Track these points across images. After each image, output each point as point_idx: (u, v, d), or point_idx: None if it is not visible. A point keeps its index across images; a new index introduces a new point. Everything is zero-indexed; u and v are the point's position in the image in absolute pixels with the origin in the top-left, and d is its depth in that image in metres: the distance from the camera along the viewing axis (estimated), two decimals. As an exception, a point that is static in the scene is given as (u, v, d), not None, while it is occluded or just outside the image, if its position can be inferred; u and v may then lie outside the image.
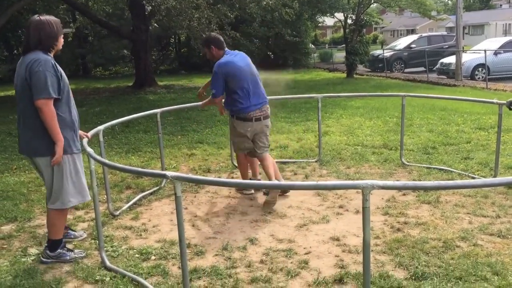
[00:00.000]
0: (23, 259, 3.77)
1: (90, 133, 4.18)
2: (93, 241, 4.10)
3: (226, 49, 4.98)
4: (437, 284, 3.18)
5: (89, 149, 3.65)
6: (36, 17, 3.54)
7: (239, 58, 4.92)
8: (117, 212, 4.72)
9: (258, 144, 4.98)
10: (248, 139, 4.94)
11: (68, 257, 3.73)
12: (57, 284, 3.37)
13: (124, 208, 4.86)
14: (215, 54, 4.91)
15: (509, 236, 3.88)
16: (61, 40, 3.62)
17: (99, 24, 18.69)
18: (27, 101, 3.47)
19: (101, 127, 4.55)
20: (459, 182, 2.50)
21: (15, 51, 24.14)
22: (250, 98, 4.85)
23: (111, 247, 3.96)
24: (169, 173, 2.76)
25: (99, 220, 3.75)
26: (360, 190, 2.42)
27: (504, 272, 3.27)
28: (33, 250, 3.93)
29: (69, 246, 3.91)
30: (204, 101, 5.42)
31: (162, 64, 29.16)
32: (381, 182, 2.48)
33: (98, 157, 3.47)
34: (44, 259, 3.70)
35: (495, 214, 4.36)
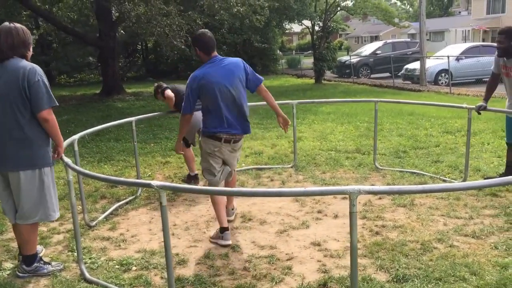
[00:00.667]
0: (-3, 274, 3.64)
1: (64, 143, 4.08)
2: (70, 253, 4.01)
3: (215, 54, 4.08)
4: (418, 285, 3.25)
5: (66, 159, 3.57)
6: (6, 23, 3.43)
7: (222, 72, 3.98)
8: (93, 223, 4.63)
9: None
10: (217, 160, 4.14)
11: (45, 271, 3.62)
12: (36, 298, 3.27)
13: (100, 218, 4.77)
14: (201, 58, 4.09)
15: (483, 237, 4.01)
16: (31, 50, 3.52)
17: (64, 31, 18.27)
18: (16, 111, 3.30)
19: (75, 137, 4.46)
20: (441, 185, 2.58)
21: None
22: (224, 124, 4.03)
23: (90, 258, 3.88)
24: (154, 182, 2.73)
25: (78, 231, 3.67)
26: (339, 196, 2.45)
27: (481, 272, 3.37)
28: (7, 264, 3.80)
29: (45, 259, 3.80)
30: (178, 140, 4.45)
31: (129, 71, 28.78)
32: (367, 187, 2.53)
33: (79, 168, 3.40)
34: (21, 274, 3.58)
35: (468, 216, 4.49)
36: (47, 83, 3.35)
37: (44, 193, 3.49)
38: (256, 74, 4.26)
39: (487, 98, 5.37)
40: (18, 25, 3.45)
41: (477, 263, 3.51)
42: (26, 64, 3.33)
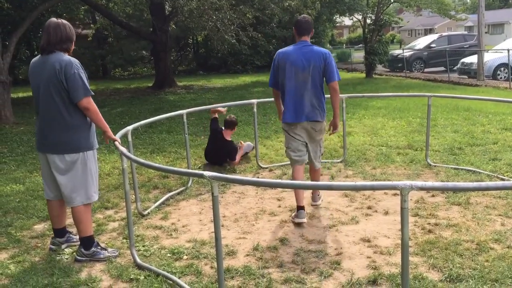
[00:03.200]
0: (57, 258, 3.83)
1: (119, 134, 4.23)
2: (124, 240, 4.15)
3: (305, 39, 4.37)
4: (473, 286, 3.14)
5: (122, 148, 3.70)
6: (54, 19, 3.70)
7: (298, 55, 4.27)
8: (146, 212, 4.77)
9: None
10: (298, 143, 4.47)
11: (102, 256, 3.78)
12: (93, 282, 3.41)
13: (152, 207, 4.91)
14: (294, 38, 4.49)
15: (544, 239, 3.82)
16: (73, 45, 3.78)
17: (119, 25, 18.85)
18: (58, 100, 3.58)
19: (129, 128, 4.61)
20: (498, 183, 2.47)
21: (36, 52, 24.58)
22: (288, 106, 4.36)
23: (143, 246, 4.01)
24: (206, 173, 2.78)
25: (131, 219, 3.79)
26: (389, 192, 2.40)
27: (542, 275, 3.22)
28: (67, 249, 3.98)
29: (102, 245, 3.96)
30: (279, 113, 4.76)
31: (181, 64, 29.35)
32: (419, 183, 2.46)
33: (133, 157, 3.51)
34: (79, 258, 3.76)
35: (528, 216, 4.30)
36: (83, 75, 3.59)
37: (86, 176, 3.72)
38: (335, 72, 4.38)
39: None
40: (64, 21, 3.72)
41: (537, 265, 3.36)
42: (65, 58, 3.58)
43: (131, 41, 25.35)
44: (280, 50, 4.48)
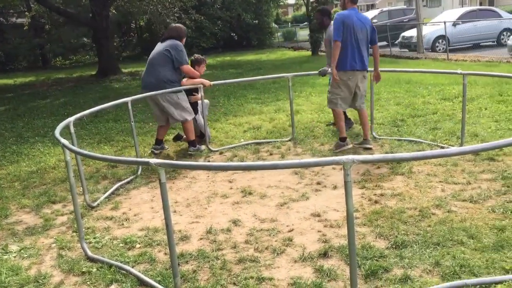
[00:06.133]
0: (4, 257, 3.71)
1: (59, 126, 4.10)
2: (74, 233, 4.07)
3: (355, 7, 5.62)
4: (417, 250, 3.31)
5: (63, 140, 3.60)
6: (173, 24, 6.42)
7: (357, 18, 5.48)
8: (95, 203, 4.69)
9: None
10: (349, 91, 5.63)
11: (199, 149, 6.19)
12: (43, 278, 3.34)
13: (102, 198, 4.83)
14: (345, 4, 5.58)
15: (481, 201, 4.06)
16: (183, 40, 6.16)
17: (56, 12, 18.09)
18: (161, 64, 5.92)
19: (71, 119, 4.47)
20: (434, 152, 2.60)
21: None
22: (353, 56, 5.46)
23: (94, 238, 3.94)
24: (152, 160, 2.76)
25: (78, 211, 3.70)
26: (337, 167, 2.48)
27: (479, 235, 3.43)
28: (14, 247, 3.87)
29: (50, 240, 3.85)
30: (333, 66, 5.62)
31: (124, 50, 28.60)
32: (361, 157, 2.55)
33: (76, 148, 3.43)
34: (191, 152, 6.14)
35: (466, 181, 4.54)
36: (185, 52, 5.99)
37: (181, 106, 5.98)
38: (376, 36, 5.71)
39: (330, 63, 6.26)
40: (180, 25, 6.30)
41: (474, 226, 3.57)
42: (174, 42, 5.98)
43: (71, 28, 24.38)
44: (341, 13, 5.56)
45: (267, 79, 9.88)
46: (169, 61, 5.93)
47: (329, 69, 6.30)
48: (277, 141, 6.48)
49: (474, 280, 2.86)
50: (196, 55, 6.80)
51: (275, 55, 22.27)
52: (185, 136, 6.48)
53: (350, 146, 5.75)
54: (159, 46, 6.06)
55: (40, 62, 26.23)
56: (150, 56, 6.09)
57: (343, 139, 5.73)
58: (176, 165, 3.16)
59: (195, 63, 6.54)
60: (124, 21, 25.09)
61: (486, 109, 7.31)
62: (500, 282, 2.82)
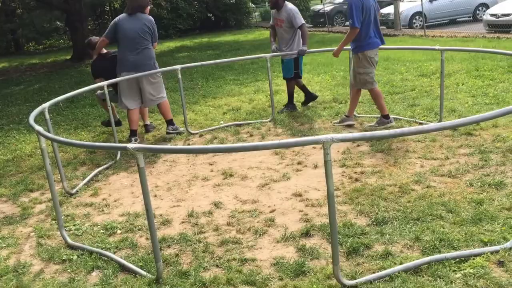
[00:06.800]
0: (-18, 248, 3.64)
1: (34, 112, 4.00)
2: (53, 221, 4.01)
3: None
4: (397, 226, 3.35)
5: (38, 127, 3.51)
6: None
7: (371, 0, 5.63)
8: (74, 190, 4.62)
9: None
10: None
11: (179, 130, 6.15)
12: (22, 268, 3.29)
13: (80, 185, 4.76)
14: None
15: (459, 175, 4.11)
16: (148, 9, 5.91)
17: (26, -4, 17.56)
18: (146, 42, 5.79)
19: (45, 105, 4.38)
20: (412, 128, 2.61)
21: None
22: (375, 34, 5.66)
23: (74, 225, 3.89)
24: (130, 145, 2.71)
25: (56, 199, 3.63)
26: (318, 146, 2.47)
27: (457, 209, 3.48)
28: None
29: (28, 229, 3.79)
30: (340, 45, 6.00)
31: (99, 34, 27.95)
32: (340, 136, 2.55)
33: (51, 135, 3.35)
34: (170, 131, 6.12)
35: (444, 156, 4.59)
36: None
37: (162, 86, 6.04)
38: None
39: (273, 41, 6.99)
40: None
41: (453, 201, 3.62)
42: (147, 16, 5.81)
43: (43, 12, 23.69)
44: None
45: (246, 59, 9.80)
46: (150, 38, 5.82)
47: (305, 47, 6.62)
48: (257, 122, 6.45)
49: (453, 253, 2.90)
50: (93, 37, 6.87)
51: (253, 35, 22.06)
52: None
53: (394, 123, 5.76)
54: (134, 21, 5.73)
55: (12, 48, 25.55)
56: (129, 31, 5.72)
57: (386, 116, 5.74)
58: (155, 149, 3.11)
59: (91, 47, 6.58)
60: (98, 3, 24.46)
61: (463, 84, 7.38)
62: (479, 255, 2.87)
